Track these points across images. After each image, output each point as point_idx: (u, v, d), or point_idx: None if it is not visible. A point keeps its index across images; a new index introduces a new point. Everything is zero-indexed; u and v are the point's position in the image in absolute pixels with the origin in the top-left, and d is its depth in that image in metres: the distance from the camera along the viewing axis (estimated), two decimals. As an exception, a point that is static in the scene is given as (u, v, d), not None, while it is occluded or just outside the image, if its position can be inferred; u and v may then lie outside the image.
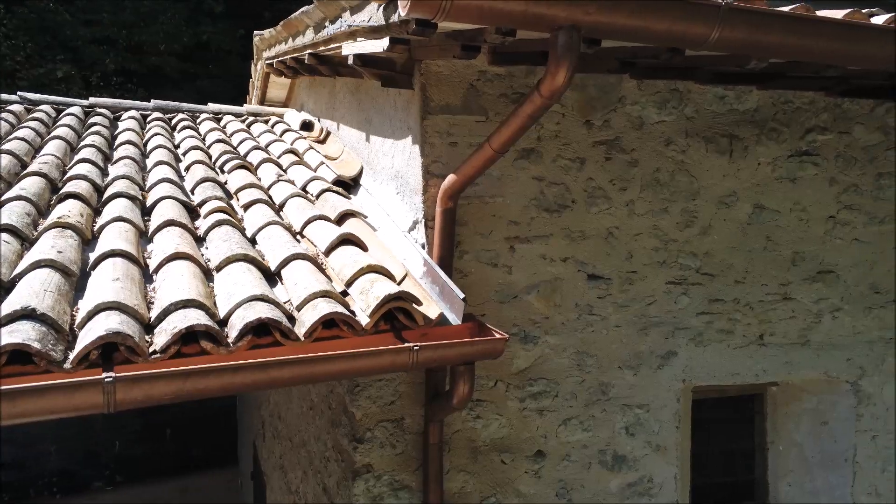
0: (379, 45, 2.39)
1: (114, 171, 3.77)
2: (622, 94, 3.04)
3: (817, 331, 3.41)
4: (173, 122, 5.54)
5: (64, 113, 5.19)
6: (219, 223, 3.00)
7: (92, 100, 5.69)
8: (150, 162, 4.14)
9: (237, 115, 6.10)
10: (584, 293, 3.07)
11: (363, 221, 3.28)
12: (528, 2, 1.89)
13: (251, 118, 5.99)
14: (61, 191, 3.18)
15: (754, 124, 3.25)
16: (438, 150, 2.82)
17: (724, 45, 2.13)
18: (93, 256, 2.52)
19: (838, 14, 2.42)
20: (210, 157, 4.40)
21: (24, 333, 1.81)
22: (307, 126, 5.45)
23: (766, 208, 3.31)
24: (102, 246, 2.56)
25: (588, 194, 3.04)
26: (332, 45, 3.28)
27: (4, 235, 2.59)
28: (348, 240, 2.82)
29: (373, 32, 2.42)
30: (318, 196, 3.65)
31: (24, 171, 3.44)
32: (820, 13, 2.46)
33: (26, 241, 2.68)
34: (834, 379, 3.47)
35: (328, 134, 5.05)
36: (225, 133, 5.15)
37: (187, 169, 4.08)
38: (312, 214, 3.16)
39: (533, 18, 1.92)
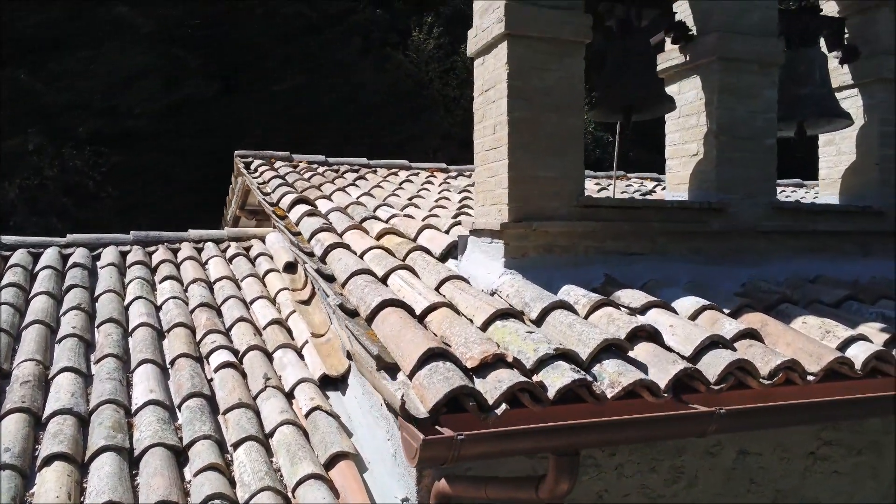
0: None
1: (97, 384, 3.72)
2: (613, 360, 3.09)
3: (799, 566, 3.51)
4: (154, 263, 5.47)
5: (41, 265, 5.08)
6: (210, 498, 2.98)
7: (70, 237, 5.60)
8: (133, 351, 4.11)
9: (218, 242, 6.05)
10: (573, 558, 3.11)
11: (353, 467, 3.28)
12: (535, 438, 1.91)
13: (233, 247, 5.94)
14: (44, 450, 3.12)
15: (740, 375, 3.32)
16: (432, 440, 2.83)
17: (721, 432, 2.18)
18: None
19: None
20: (194, 335, 4.37)
21: None
22: (290, 267, 5.42)
23: (750, 452, 3.38)
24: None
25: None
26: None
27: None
28: (342, 535, 2.83)
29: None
30: (307, 414, 3.65)
31: (6, 409, 3.39)
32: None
33: (14, 551, 2.65)
34: None
35: (313, 293, 5.02)
36: (208, 284, 5.11)
37: (172, 364, 4.06)
38: (305, 473, 3.14)
39: (539, 448, 1.95)
